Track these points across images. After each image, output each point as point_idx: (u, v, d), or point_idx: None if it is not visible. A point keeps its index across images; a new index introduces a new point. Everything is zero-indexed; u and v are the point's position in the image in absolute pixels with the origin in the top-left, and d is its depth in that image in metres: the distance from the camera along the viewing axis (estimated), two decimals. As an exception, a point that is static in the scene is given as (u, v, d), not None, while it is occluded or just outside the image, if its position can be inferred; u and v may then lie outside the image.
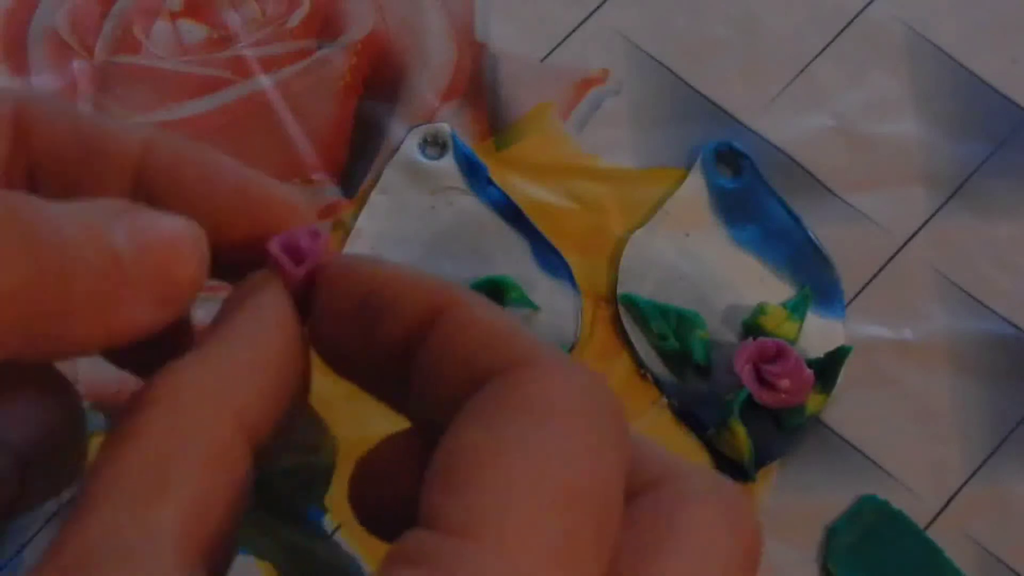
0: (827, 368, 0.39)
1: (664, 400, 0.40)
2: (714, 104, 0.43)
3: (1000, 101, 0.44)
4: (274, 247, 0.21)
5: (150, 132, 0.23)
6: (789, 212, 0.42)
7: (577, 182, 0.42)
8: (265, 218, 0.22)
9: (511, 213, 0.41)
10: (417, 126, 0.42)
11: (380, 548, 0.40)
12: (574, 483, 0.17)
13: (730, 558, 0.19)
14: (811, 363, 0.39)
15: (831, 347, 0.40)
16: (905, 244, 0.42)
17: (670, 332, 0.40)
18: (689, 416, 0.40)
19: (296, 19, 0.43)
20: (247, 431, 0.19)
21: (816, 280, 0.41)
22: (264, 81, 0.42)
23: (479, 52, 0.43)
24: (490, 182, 0.41)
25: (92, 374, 0.37)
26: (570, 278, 0.41)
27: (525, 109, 0.43)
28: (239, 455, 0.19)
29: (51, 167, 0.22)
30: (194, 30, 0.43)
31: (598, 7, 0.44)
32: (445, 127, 0.42)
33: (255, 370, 0.20)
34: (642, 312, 0.40)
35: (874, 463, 0.39)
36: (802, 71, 0.44)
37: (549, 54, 0.43)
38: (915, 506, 0.39)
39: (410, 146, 0.42)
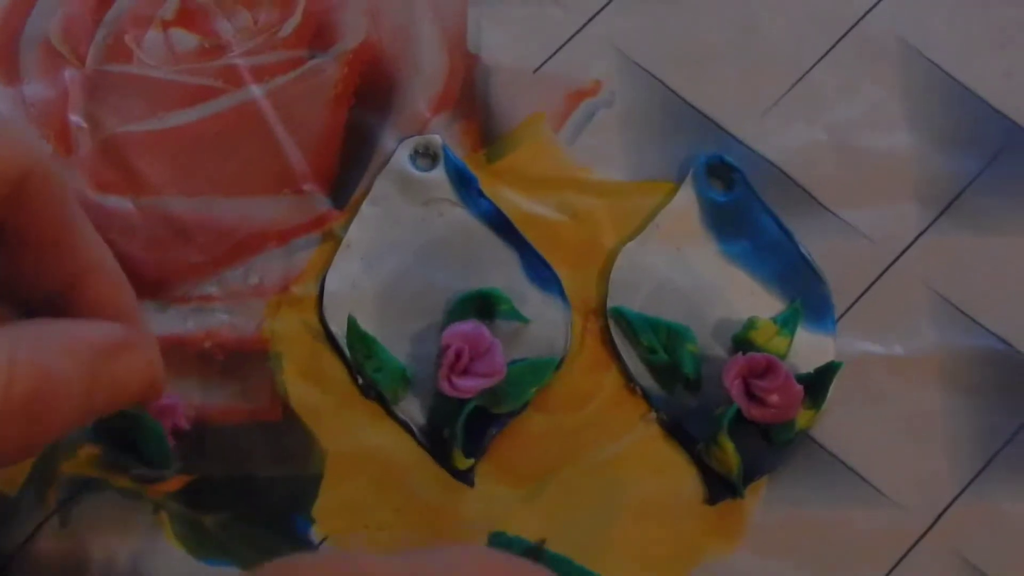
0: (817, 383, 0.39)
1: (653, 414, 0.40)
2: (706, 117, 0.43)
3: (993, 115, 0.43)
4: None
5: (44, 155, 0.28)
6: (780, 226, 0.41)
7: (569, 194, 0.42)
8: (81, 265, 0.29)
9: (501, 225, 0.41)
10: (408, 137, 0.42)
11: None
12: None
13: None
14: (801, 378, 0.39)
15: (821, 362, 0.39)
16: (896, 259, 0.42)
17: (659, 346, 0.40)
18: (678, 430, 0.39)
19: (288, 28, 0.43)
20: None
21: (807, 295, 0.41)
22: (256, 90, 0.42)
23: (472, 63, 0.43)
24: (481, 194, 0.41)
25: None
26: (560, 291, 0.40)
27: (517, 120, 0.43)
28: None
29: None
30: (186, 39, 0.43)
31: (591, 19, 0.44)
32: (436, 138, 0.42)
33: None
34: (632, 325, 0.40)
35: (863, 479, 0.39)
36: (794, 85, 0.43)
37: (542, 65, 0.43)
38: (904, 522, 0.39)
39: (401, 157, 0.42)
